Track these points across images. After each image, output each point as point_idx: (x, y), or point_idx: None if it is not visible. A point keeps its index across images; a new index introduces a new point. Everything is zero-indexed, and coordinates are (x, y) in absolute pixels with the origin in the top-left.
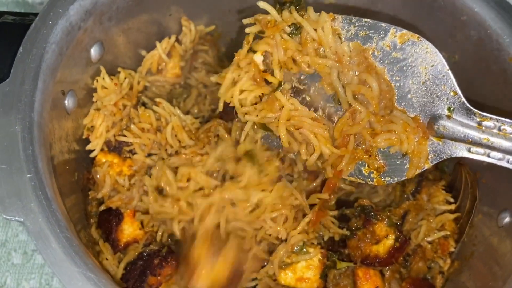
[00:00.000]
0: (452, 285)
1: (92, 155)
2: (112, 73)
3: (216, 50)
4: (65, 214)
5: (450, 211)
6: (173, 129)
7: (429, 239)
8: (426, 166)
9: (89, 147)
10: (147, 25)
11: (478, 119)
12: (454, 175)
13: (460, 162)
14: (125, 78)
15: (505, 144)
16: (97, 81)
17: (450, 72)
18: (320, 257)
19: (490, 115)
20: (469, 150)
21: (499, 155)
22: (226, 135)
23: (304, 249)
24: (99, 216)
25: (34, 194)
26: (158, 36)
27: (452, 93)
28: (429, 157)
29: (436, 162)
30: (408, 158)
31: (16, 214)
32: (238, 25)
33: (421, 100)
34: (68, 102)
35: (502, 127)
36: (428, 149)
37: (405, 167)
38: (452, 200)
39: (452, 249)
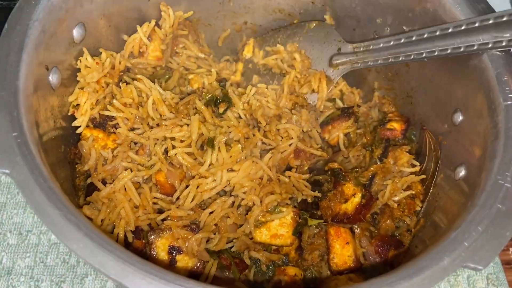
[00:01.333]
0: (417, 240)
1: (78, 131)
2: (95, 55)
3: (196, 35)
4: (48, 170)
5: (416, 174)
6: (154, 103)
7: (396, 198)
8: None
9: (75, 123)
10: (128, 10)
11: (352, 47)
12: (420, 142)
13: (423, 127)
14: (107, 58)
15: (369, 54)
16: (80, 61)
17: (334, 29)
18: (292, 215)
19: (358, 43)
20: (352, 66)
21: (366, 63)
22: (203, 107)
23: (278, 209)
24: (87, 188)
25: (19, 150)
26: (138, 21)
27: (338, 40)
28: (332, 79)
29: (336, 80)
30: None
31: (3, 167)
32: (215, 11)
33: (322, 53)
34: (52, 78)
35: (366, 47)
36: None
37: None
38: (416, 163)
39: (418, 208)
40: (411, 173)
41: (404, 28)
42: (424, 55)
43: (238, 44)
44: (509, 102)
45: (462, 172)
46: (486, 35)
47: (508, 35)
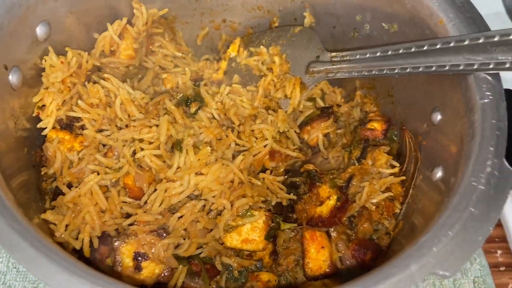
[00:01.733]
0: (396, 244)
1: (44, 133)
2: (64, 54)
3: (172, 34)
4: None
5: (395, 175)
6: (122, 103)
7: (374, 201)
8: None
9: (40, 125)
10: (98, 8)
11: (330, 56)
12: (400, 142)
13: (403, 128)
14: (73, 57)
15: (344, 65)
16: (45, 60)
17: (316, 36)
18: (264, 219)
19: (336, 52)
20: (326, 75)
21: (341, 73)
22: (173, 107)
23: (249, 213)
24: (54, 192)
25: None
26: (110, 19)
27: (318, 47)
28: (307, 85)
29: (310, 87)
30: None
31: None
32: (192, 8)
33: (301, 58)
34: (12, 77)
35: (342, 57)
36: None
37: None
38: (396, 163)
39: (398, 211)
40: (390, 174)
41: (383, 25)
42: (396, 70)
43: (218, 43)
44: (486, 101)
45: (439, 173)
46: (459, 56)
47: (480, 58)
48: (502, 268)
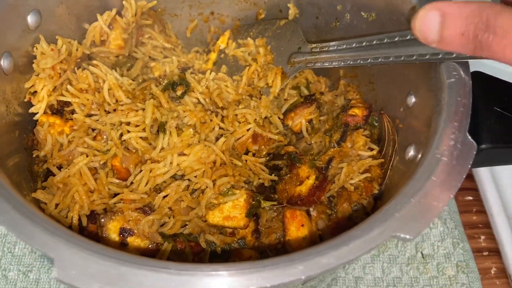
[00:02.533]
0: None
1: (35, 117)
2: (55, 43)
3: (162, 26)
4: None
5: (375, 158)
6: (110, 89)
7: (352, 181)
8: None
9: (32, 110)
10: None
11: (310, 47)
12: (380, 127)
13: (381, 112)
14: (63, 44)
15: (323, 55)
16: (36, 48)
17: (299, 29)
18: (245, 197)
19: (316, 43)
20: (306, 65)
21: (320, 63)
22: (158, 92)
23: (231, 192)
24: (45, 174)
25: None
26: (100, 10)
27: (300, 39)
28: (288, 75)
29: (291, 77)
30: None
31: None
32: (180, 1)
33: (284, 50)
34: (4, 62)
35: (321, 49)
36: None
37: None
38: (374, 146)
39: (376, 191)
40: (369, 156)
41: (362, 14)
42: (369, 60)
43: (207, 35)
44: (452, 80)
45: (411, 152)
46: (426, 46)
47: None
48: (485, 253)
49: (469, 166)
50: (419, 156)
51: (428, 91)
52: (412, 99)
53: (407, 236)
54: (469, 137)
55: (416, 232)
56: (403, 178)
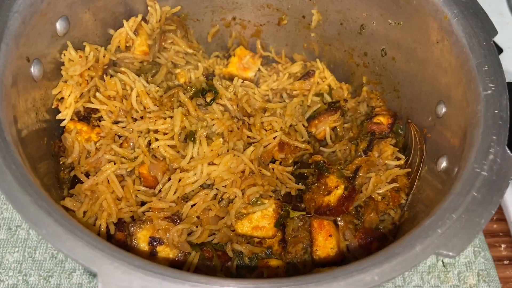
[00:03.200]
0: (401, 233)
1: (62, 124)
2: (81, 49)
3: (184, 31)
4: (23, 159)
5: (401, 167)
6: (138, 96)
7: (380, 191)
8: None
9: (59, 116)
10: (114, 5)
11: None
12: (406, 135)
13: (408, 121)
14: (90, 51)
15: None
16: (64, 55)
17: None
18: (274, 207)
19: None
20: None
21: None
22: (186, 100)
23: (259, 201)
24: (71, 181)
25: None
26: (125, 16)
27: None
28: None
29: None
30: None
31: None
32: (203, 6)
33: None
34: (34, 69)
35: None
36: None
37: None
38: (401, 155)
39: (403, 201)
40: (396, 166)
41: (389, 21)
42: None
43: (228, 40)
44: (489, 92)
45: (443, 163)
46: None
47: None
48: (506, 262)
49: (510, 181)
50: (455, 169)
51: (462, 101)
52: (443, 109)
53: (450, 253)
54: (508, 151)
55: (459, 250)
56: (436, 191)
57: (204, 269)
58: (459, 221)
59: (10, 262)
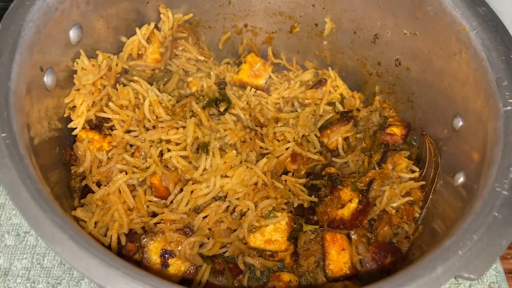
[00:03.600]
0: (416, 248)
1: (74, 133)
2: (93, 57)
3: (195, 38)
4: (37, 172)
5: (415, 180)
6: (151, 105)
7: (394, 205)
8: None
9: (71, 125)
10: (126, 12)
11: None
12: (420, 147)
13: (423, 133)
14: (103, 60)
15: None
16: (77, 63)
17: None
18: (287, 220)
19: None
20: None
21: None
22: (199, 109)
23: (272, 214)
24: (82, 190)
25: (8, 151)
26: (137, 23)
27: None
28: None
29: None
30: None
31: None
32: (215, 13)
33: None
34: (47, 78)
35: None
36: None
37: None
38: (415, 168)
39: (417, 215)
40: (410, 179)
41: (405, 31)
42: None
43: (239, 47)
44: (509, 108)
45: (461, 179)
46: None
47: None
48: None
49: None
50: (475, 186)
51: (480, 116)
52: (460, 122)
53: (472, 276)
54: None
55: (480, 272)
56: (455, 207)
57: (216, 283)
58: (480, 242)
59: (18, 269)
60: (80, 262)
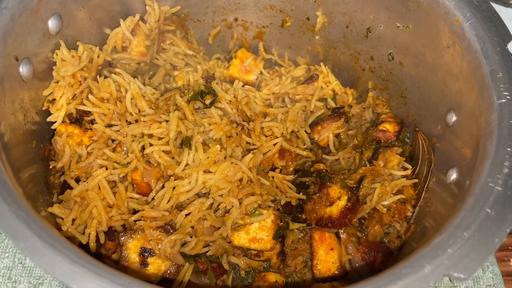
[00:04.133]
0: (408, 247)
1: (53, 126)
2: (76, 49)
3: (184, 32)
4: (4, 164)
5: (407, 177)
6: (133, 98)
7: (385, 203)
8: None
9: (50, 118)
10: (111, 3)
11: None
12: (413, 144)
13: (416, 129)
14: (84, 51)
15: None
16: (56, 54)
17: None
18: (273, 218)
19: None
20: None
21: None
22: (183, 103)
23: (258, 211)
24: (62, 187)
25: None
26: (122, 15)
27: None
28: None
29: None
30: None
31: None
32: (204, 6)
33: None
34: (23, 69)
35: None
36: None
37: None
38: (408, 165)
39: (410, 214)
40: (403, 176)
41: (398, 24)
42: None
43: (230, 42)
44: (503, 101)
45: (453, 175)
46: None
47: None
48: None
49: None
50: (467, 182)
51: (474, 110)
52: (453, 117)
53: (462, 276)
54: None
55: (471, 271)
56: (446, 205)
57: (198, 284)
58: (471, 240)
59: None
60: (43, 259)
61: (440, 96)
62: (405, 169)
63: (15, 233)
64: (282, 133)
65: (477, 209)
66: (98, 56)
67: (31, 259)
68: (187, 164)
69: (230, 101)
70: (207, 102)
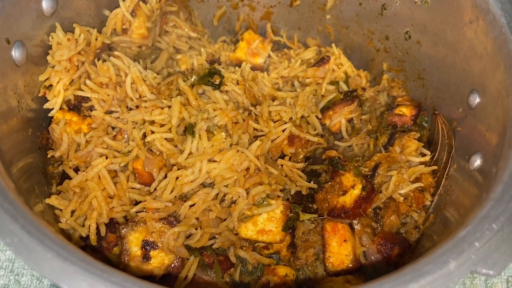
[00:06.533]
0: (426, 239)
1: (50, 114)
2: (73, 31)
3: (187, 13)
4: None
5: (425, 164)
6: (133, 83)
7: (402, 191)
8: None
9: (46, 105)
10: None
11: None
12: (432, 129)
13: (435, 112)
14: (81, 34)
15: None
16: (52, 37)
17: None
18: (282, 208)
19: None
20: None
21: None
22: (186, 87)
23: (266, 202)
24: (61, 176)
25: None
26: None
27: None
28: None
29: None
30: None
31: None
32: None
33: None
34: (16, 52)
35: None
36: None
37: None
38: (426, 151)
39: (428, 203)
40: (421, 163)
41: (415, 0)
42: None
43: (236, 24)
44: None
45: (477, 161)
46: None
47: None
48: None
49: None
50: (493, 170)
51: (499, 91)
52: (476, 99)
53: (490, 272)
54: None
55: (500, 267)
56: (470, 194)
57: (204, 278)
58: (500, 232)
59: (1, 261)
60: (31, 255)
61: (461, 76)
62: (423, 155)
63: (1, 227)
64: (291, 118)
65: (506, 198)
66: (96, 39)
67: (18, 255)
68: (190, 153)
69: (238, 81)
70: (217, 81)
